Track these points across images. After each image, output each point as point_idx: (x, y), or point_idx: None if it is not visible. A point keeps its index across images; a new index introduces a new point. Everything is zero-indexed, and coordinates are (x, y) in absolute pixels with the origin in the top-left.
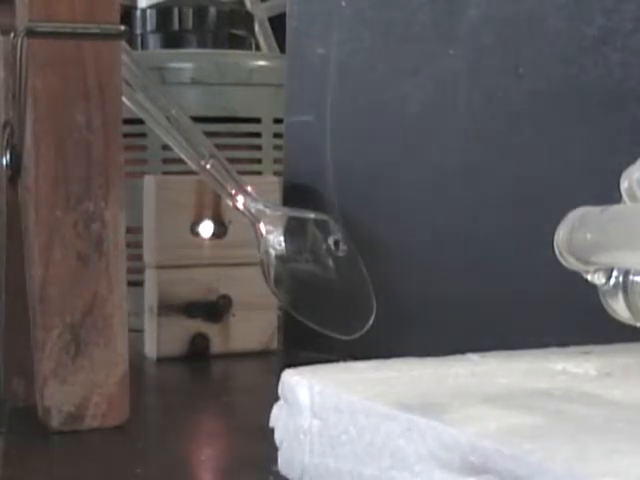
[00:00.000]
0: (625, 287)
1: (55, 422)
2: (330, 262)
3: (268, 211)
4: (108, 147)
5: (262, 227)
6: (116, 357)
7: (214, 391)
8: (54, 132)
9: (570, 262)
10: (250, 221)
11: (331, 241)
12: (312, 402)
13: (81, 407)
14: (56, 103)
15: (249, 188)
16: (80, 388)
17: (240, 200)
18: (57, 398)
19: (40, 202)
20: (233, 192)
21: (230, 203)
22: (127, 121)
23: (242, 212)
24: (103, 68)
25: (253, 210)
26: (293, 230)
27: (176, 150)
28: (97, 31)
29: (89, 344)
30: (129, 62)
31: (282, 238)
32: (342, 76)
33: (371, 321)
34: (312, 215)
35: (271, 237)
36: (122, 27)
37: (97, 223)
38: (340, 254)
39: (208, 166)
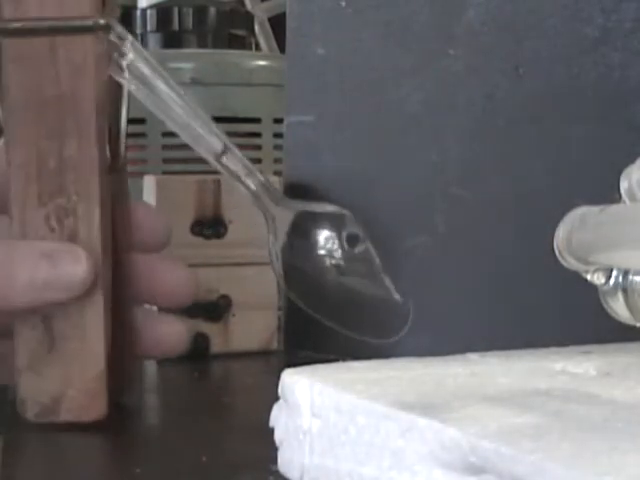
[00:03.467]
0: (625, 287)
1: (30, 414)
2: (344, 258)
3: (282, 204)
4: (81, 141)
5: (275, 221)
6: (92, 351)
7: (214, 391)
8: (26, 129)
9: (570, 262)
10: (263, 214)
11: (346, 236)
12: (312, 402)
13: (56, 400)
14: (28, 101)
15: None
16: (55, 381)
17: (255, 192)
18: (32, 390)
19: (13, 198)
20: (250, 185)
21: (248, 195)
22: (127, 121)
23: (256, 205)
24: (76, 63)
25: (266, 202)
26: (306, 225)
27: (190, 144)
28: (68, 25)
29: (64, 338)
30: (142, 56)
31: (294, 233)
32: (342, 76)
33: (409, 323)
34: (328, 208)
35: (283, 232)
36: (101, 20)
37: (70, 218)
38: (356, 250)
39: (224, 159)
